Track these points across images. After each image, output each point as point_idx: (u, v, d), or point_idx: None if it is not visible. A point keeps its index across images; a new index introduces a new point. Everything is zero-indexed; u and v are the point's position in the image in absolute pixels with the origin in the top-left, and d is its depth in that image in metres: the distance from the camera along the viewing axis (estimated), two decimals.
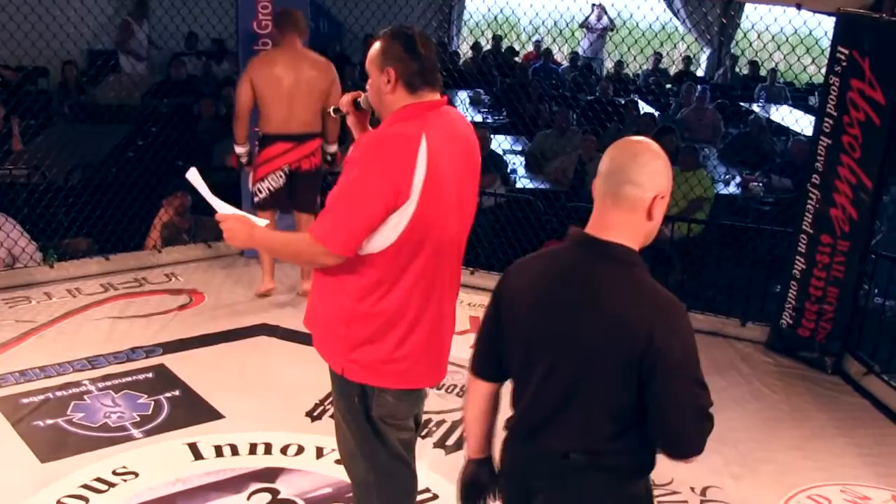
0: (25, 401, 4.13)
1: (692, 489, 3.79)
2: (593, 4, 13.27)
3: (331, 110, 2.82)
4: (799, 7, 5.04)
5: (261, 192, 5.27)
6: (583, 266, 2.03)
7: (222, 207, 2.58)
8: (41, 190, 5.94)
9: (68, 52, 8.32)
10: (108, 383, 4.33)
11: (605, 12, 13.56)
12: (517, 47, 12.88)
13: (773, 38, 5.95)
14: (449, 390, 4.47)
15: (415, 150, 2.38)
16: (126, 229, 5.99)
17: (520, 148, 8.55)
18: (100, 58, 8.95)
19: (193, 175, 2.59)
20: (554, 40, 10.87)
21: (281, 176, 5.22)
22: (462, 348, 4.84)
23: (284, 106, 5.12)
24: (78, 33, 6.79)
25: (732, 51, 12.96)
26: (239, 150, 5.34)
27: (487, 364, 2.25)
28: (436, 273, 2.52)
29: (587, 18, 13.52)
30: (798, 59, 6.26)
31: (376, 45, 2.50)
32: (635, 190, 2.01)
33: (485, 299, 5.52)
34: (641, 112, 9.47)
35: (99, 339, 4.80)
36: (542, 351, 2.05)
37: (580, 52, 13.13)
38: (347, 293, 2.51)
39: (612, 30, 13.64)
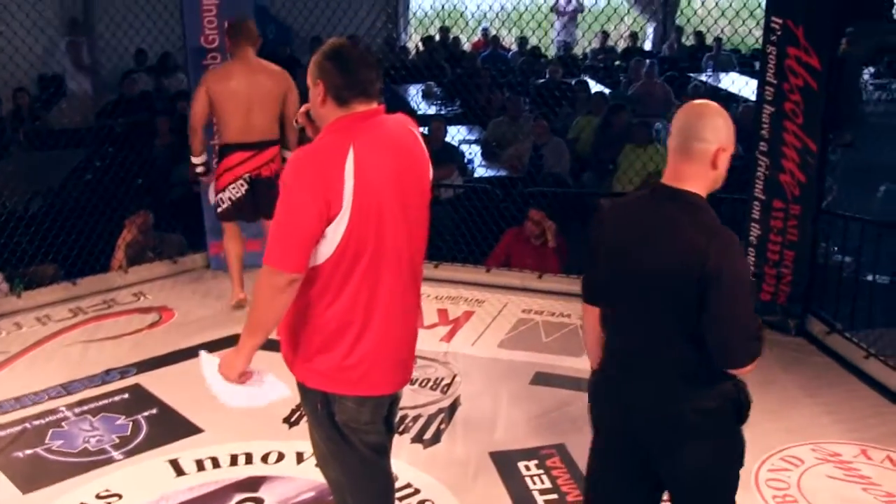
0: (2, 433, 4.11)
1: None
2: None
3: (294, 122, 2.85)
4: None
5: (223, 202, 5.28)
6: (658, 209, 2.40)
7: (213, 364, 2.65)
8: (2, 220, 5.88)
9: (18, 80, 8.25)
10: (85, 408, 4.32)
11: None
12: (465, 37, 12.89)
13: (716, 4, 6.00)
14: (423, 384, 4.51)
15: (342, 162, 2.40)
16: (91, 252, 5.96)
17: (475, 137, 8.59)
18: (50, 83, 8.86)
19: (207, 360, 2.69)
20: (503, 24, 10.89)
21: (242, 185, 5.22)
22: (432, 342, 4.96)
23: (242, 115, 5.12)
24: (26, 60, 6.71)
25: (677, 22, 13.07)
26: (196, 160, 5.34)
27: (592, 292, 2.60)
28: (380, 280, 2.52)
29: (557, 2, 13.56)
30: (742, 24, 6.32)
31: (311, 61, 2.52)
32: (701, 144, 2.36)
33: (451, 291, 5.65)
34: (592, 92, 9.53)
35: (72, 364, 4.79)
36: (628, 280, 2.41)
37: (553, 36, 13.16)
38: (300, 303, 2.54)
39: (581, 11, 13.68)
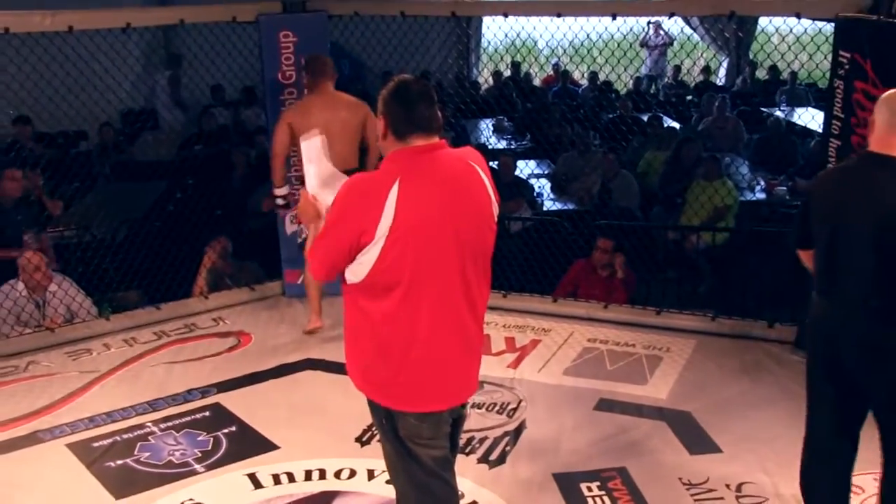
0: (96, 444, 4.45)
1: (727, 486, 4.00)
2: (648, 22, 13.46)
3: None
4: (799, 16, 5.25)
5: (304, 232, 5.54)
6: (865, 172, 3.06)
7: (314, 185, 2.98)
8: (92, 248, 6.28)
9: (105, 114, 8.76)
10: (170, 424, 4.64)
11: (662, 28, 13.77)
12: (536, 71, 13.15)
13: (793, 38, 6.05)
14: (490, 409, 4.72)
15: (383, 194, 2.60)
16: (173, 279, 6.31)
17: (545, 171, 8.81)
18: (134, 117, 9.36)
19: (311, 146, 3.06)
20: (576, 58, 11.10)
21: None
22: (499, 368, 5.18)
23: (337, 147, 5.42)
24: (116, 95, 7.16)
25: (751, 57, 13.14)
26: (278, 192, 5.63)
27: (803, 238, 3.28)
28: (425, 305, 2.69)
29: (646, 36, 13.76)
30: (814, 59, 6.38)
31: (379, 96, 2.74)
32: None
33: (519, 320, 5.88)
34: (665, 126, 9.67)
35: (157, 383, 5.12)
36: (836, 229, 3.07)
37: (644, 70, 13.35)
38: (357, 318, 2.79)
39: (671, 45, 13.85)
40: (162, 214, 7.43)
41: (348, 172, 5.38)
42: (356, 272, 2.69)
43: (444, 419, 2.85)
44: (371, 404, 2.87)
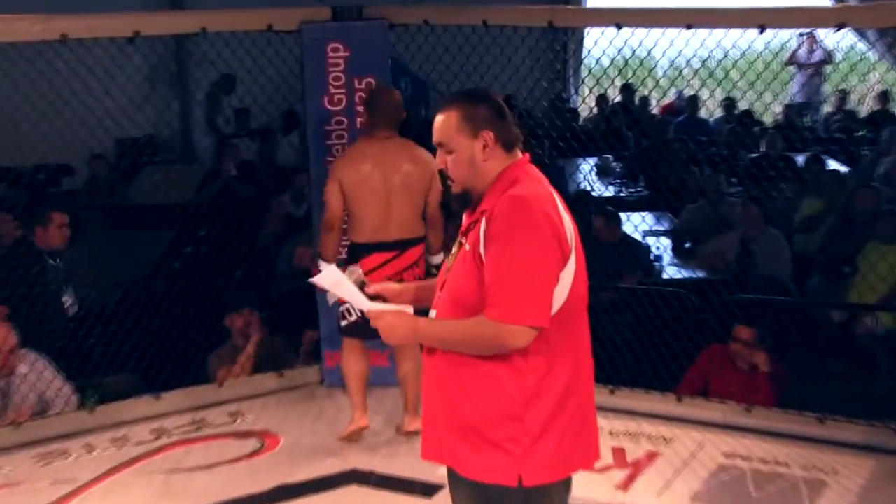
0: None
1: None
2: (800, 34, 13.50)
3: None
4: None
5: (350, 314, 5.55)
6: None
7: (368, 303, 3.20)
8: (76, 317, 6.39)
9: (96, 143, 9.00)
10: None
11: (818, 42, 13.70)
12: (654, 96, 13.20)
13: None
14: None
15: (556, 207, 3.02)
16: (179, 360, 6.39)
17: (664, 228, 8.77)
18: (133, 149, 9.62)
19: (330, 274, 3.31)
20: (700, 82, 11.08)
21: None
22: (605, 489, 5.12)
23: (380, 208, 5.46)
24: (114, 121, 7.35)
25: None
26: (325, 265, 5.62)
27: None
28: (585, 331, 3.16)
29: (795, 52, 13.69)
30: None
31: (452, 114, 3.13)
32: None
33: (631, 425, 5.84)
34: (828, 170, 9.56)
35: (154, 497, 5.16)
36: None
37: (792, 93, 13.27)
38: (507, 380, 3.00)
39: (830, 62, 13.77)
40: (167, 274, 7.56)
41: (414, 243, 5.58)
42: (558, 297, 3.00)
43: (570, 488, 3.22)
44: (477, 488, 3.04)
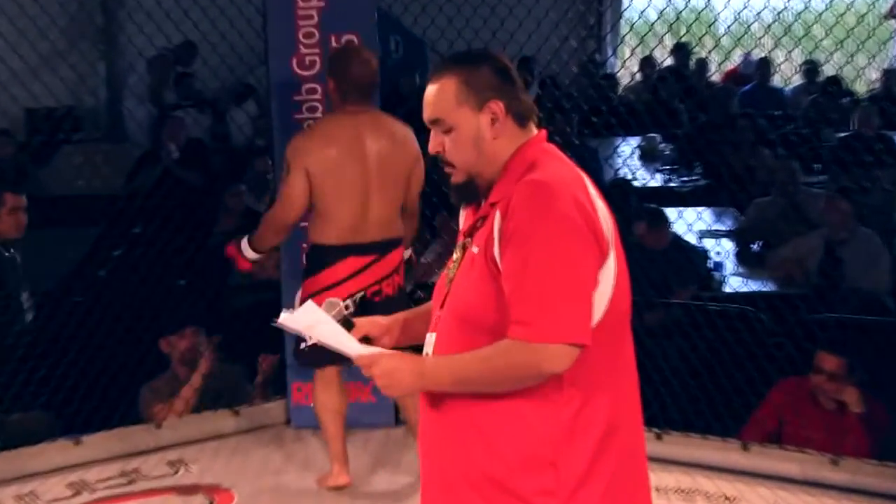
0: None
1: None
2: None
3: None
4: None
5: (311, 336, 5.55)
6: None
7: (357, 347, 3.11)
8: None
9: (0, 116, 8.99)
10: None
11: None
12: (713, 59, 13.17)
13: None
14: None
15: (587, 192, 2.98)
16: (105, 394, 6.39)
17: (726, 228, 8.77)
18: (47, 123, 9.62)
19: (305, 312, 3.21)
20: (777, 44, 11.08)
21: (349, 308, 5.46)
22: None
23: (356, 202, 5.46)
24: (16, 85, 7.35)
25: None
26: (252, 256, 5.67)
27: None
28: (629, 350, 3.12)
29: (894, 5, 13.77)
30: None
31: (449, 81, 3.06)
32: None
33: (683, 479, 5.90)
34: None
35: None
36: None
37: (892, 55, 13.28)
38: (534, 416, 2.93)
39: None
40: (90, 284, 7.55)
41: (394, 244, 5.59)
42: (597, 304, 2.94)
43: None
44: None
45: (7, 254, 6.64)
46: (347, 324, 3.21)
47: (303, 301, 5.34)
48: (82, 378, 6.39)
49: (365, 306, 5.44)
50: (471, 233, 3.09)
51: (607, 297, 2.93)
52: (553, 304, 2.84)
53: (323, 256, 5.53)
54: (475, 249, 3.01)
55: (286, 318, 3.20)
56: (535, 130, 3.10)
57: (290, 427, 6.53)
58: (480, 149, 3.04)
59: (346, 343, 3.11)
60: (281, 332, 6.36)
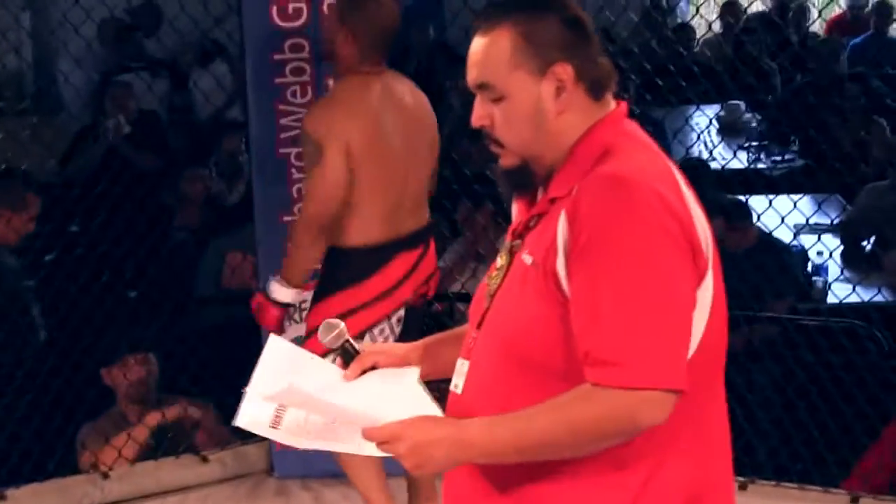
0: None
1: None
2: None
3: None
4: None
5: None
6: None
7: (362, 406, 2.94)
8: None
9: None
10: None
11: None
12: (817, 4, 13.20)
13: None
14: None
15: (679, 191, 2.84)
16: (38, 437, 6.47)
17: (831, 220, 8.78)
18: None
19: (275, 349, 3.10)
20: None
21: (397, 323, 5.60)
22: None
23: (397, 187, 5.49)
24: None
25: None
26: (288, 296, 5.59)
27: None
28: (720, 400, 3.04)
29: None
30: None
31: (503, 34, 2.89)
32: None
33: None
34: None
35: None
36: None
37: None
38: (597, 485, 2.84)
39: None
40: (14, 294, 7.58)
41: (429, 234, 5.63)
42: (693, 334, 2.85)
43: None
44: None
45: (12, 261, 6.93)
46: (348, 353, 3.08)
47: (351, 319, 5.38)
48: (7, 418, 6.45)
49: (409, 315, 5.62)
50: (521, 234, 2.97)
51: (701, 329, 2.82)
52: (646, 339, 2.70)
53: (366, 259, 5.53)
54: (528, 259, 2.86)
55: (256, 376, 3.06)
56: (612, 103, 2.98)
57: (273, 477, 6.58)
58: (540, 126, 2.89)
59: (339, 397, 2.96)
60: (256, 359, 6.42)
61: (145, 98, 10.38)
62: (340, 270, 5.54)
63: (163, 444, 6.61)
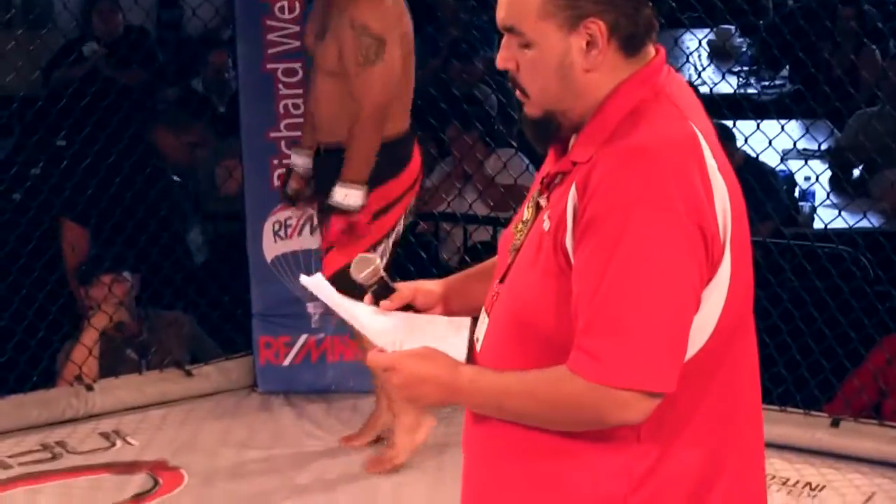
0: None
1: None
2: None
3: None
4: None
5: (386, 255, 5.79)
6: None
7: (376, 332, 2.94)
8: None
9: None
10: None
11: None
12: None
13: None
14: None
15: (702, 163, 2.70)
16: (19, 349, 6.48)
17: (819, 145, 8.79)
18: None
19: (315, 282, 3.04)
20: None
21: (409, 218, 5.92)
22: None
23: (412, 81, 5.81)
24: None
25: None
26: (360, 198, 5.58)
27: None
28: (746, 383, 2.93)
29: None
30: None
31: None
32: None
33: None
34: None
35: None
36: None
37: None
38: (604, 465, 2.77)
39: None
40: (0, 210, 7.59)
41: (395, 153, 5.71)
42: (699, 331, 2.75)
43: None
44: None
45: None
46: (384, 290, 3.01)
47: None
48: None
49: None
50: (549, 186, 2.84)
51: (714, 319, 2.73)
52: (634, 338, 2.62)
53: (397, 151, 5.70)
54: (546, 225, 2.75)
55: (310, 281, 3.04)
56: (650, 54, 2.80)
57: (256, 392, 6.62)
58: (566, 81, 2.75)
59: (369, 322, 2.95)
60: (246, 273, 6.46)
61: (132, 12, 10.34)
62: (381, 163, 5.64)
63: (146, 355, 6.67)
